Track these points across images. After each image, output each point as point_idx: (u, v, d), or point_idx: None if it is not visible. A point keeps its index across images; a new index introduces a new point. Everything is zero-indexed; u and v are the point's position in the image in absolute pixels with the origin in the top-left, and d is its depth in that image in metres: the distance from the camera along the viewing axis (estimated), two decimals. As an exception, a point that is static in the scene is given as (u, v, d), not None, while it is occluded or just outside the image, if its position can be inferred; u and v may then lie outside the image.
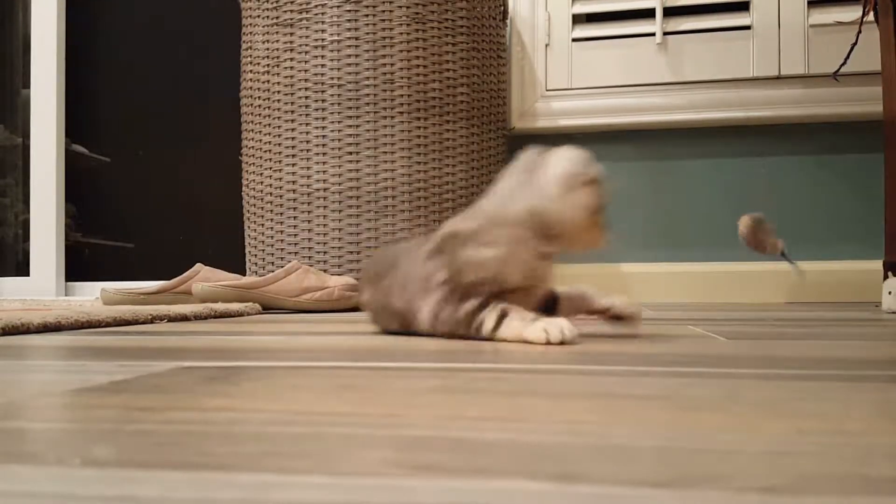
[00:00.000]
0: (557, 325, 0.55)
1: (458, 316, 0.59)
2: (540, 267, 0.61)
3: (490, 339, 0.58)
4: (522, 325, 0.56)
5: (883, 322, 0.83)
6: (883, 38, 1.13)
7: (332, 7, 1.36)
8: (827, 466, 0.19)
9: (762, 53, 1.64)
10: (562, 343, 0.54)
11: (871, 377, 0.37)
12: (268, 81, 1.42)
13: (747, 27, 1.65)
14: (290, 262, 1.30)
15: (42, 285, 2.10)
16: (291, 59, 1.39)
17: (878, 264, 1.15)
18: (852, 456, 0.21)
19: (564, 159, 0.60)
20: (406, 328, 0.65)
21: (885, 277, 1.11)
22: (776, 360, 0.45)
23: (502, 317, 0.57)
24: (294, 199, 1.39)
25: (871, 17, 1.17)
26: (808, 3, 1.62)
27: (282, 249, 1.40)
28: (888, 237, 1.12)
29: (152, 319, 0.87)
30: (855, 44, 1.23)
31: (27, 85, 2.17)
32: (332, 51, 1.36)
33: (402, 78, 1.36)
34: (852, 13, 1.45)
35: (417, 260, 0.64)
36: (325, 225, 1.36)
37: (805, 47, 1.62)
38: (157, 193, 2.14)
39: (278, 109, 1.40)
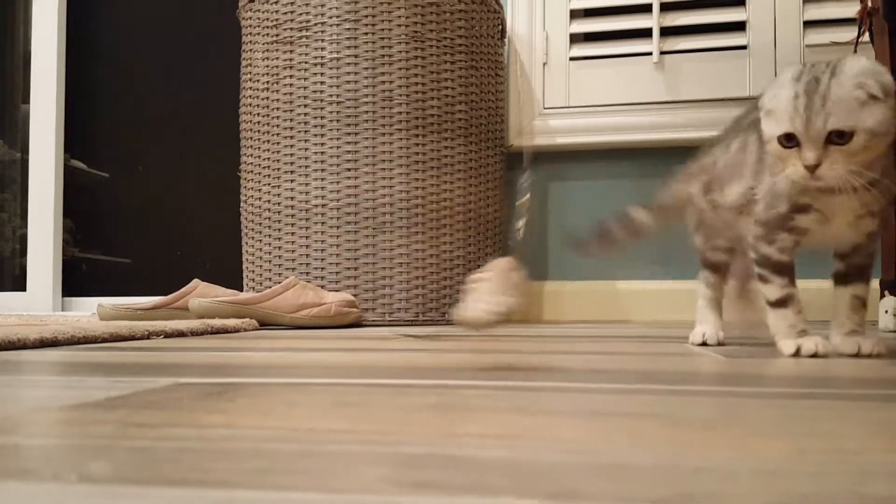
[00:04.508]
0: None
1: None
2: None
3: None
4: None
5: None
6: (878, 59, 1.14)
7: (331, 25, 1.37)
8: (825, 485, 0.19)
9: (758, 73, 1.65)
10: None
11: (868, 396, 0.37)
12: (267, 98, 1.43)
13: (743, 47, 1.66)
14: (287, 278, 1.30)
15: (39, 300, 2.09)
16: (291, 77, 1.40)
17: (874, 283, 1.15)
18: (850, 475, 0.21)
19: None
20: None
21: (882, 296, 1.11)
22: (774, 379, 0.45)
23: None
24: (292, 216, 1.39)
25: (866, 37, 1.18)
26: (804, 23, 1.63)
27: (279, 265, 1.40)
28: (885, 256, 1.12)
29: (149, 335, 0.86)
30: (850, 64, 1.24)
31: (27, 100, 2.17)
32: (331, 68, 1.37)
33: (400, 95, 1.36)
34: (848, 33, 1.46)
35: None
36: (322, 241, 1.36)
37: (801, 67, 1.63)
38: (155, 209, 2.14)
39: (277, 126, 1.41)
